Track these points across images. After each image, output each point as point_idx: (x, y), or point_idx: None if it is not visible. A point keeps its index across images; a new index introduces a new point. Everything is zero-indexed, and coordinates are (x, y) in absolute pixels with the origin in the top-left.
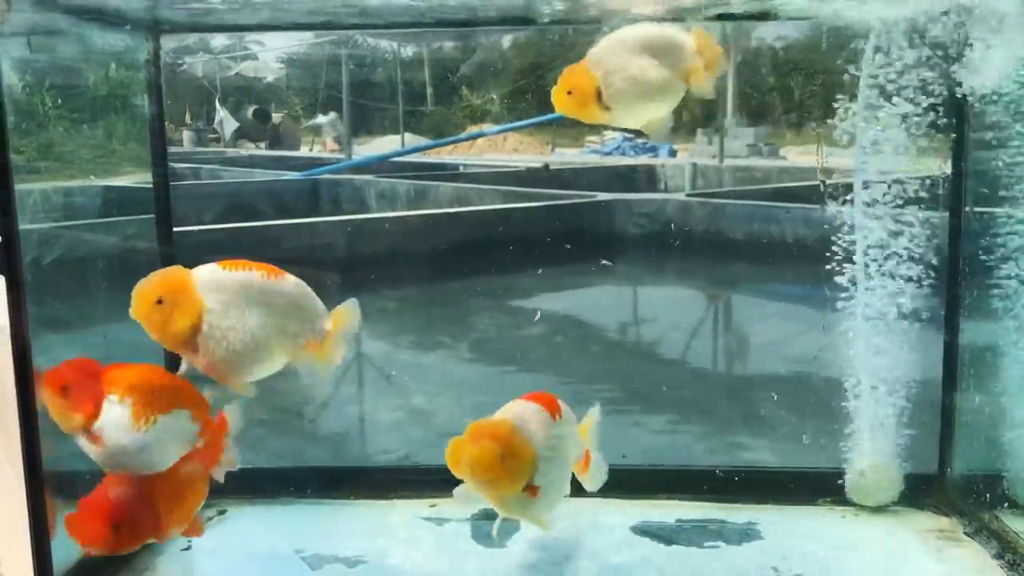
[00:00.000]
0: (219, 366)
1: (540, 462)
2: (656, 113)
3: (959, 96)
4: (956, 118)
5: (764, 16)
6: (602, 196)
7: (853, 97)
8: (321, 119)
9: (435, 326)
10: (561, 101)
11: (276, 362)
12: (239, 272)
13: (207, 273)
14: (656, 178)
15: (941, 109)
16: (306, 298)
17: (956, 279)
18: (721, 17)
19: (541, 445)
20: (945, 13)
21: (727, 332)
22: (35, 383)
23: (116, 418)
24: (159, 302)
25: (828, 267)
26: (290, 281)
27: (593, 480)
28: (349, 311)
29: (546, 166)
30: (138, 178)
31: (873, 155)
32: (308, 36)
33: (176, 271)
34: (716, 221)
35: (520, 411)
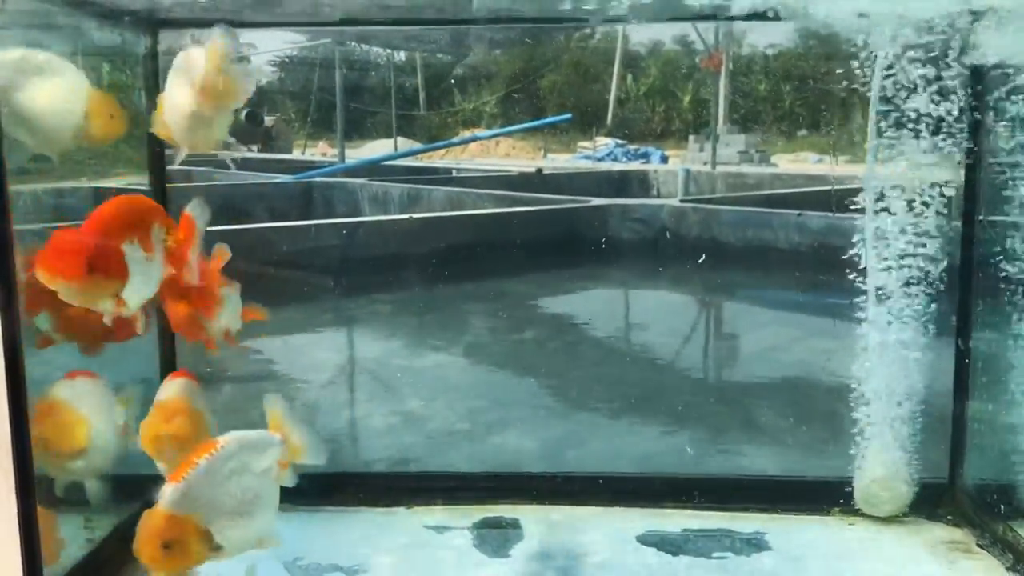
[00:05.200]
0: None
1: None
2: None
3: (974, 100)
4: (970, 123)
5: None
6: (596, 201)
7: (863, 103)
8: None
9: (428, 330)
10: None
11: None
12: None
13: None
14: (649, 184)
15: (955, 114)
16: None
17: (968, 286)
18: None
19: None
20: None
21: (727, 338)
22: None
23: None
24: None
25: (835, 274)
26: None
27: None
28: None
29: (539, 171)
30: (129, 181)
31: (884, 161)
32: (301, 39)
33: None
34: (710, 227)
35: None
